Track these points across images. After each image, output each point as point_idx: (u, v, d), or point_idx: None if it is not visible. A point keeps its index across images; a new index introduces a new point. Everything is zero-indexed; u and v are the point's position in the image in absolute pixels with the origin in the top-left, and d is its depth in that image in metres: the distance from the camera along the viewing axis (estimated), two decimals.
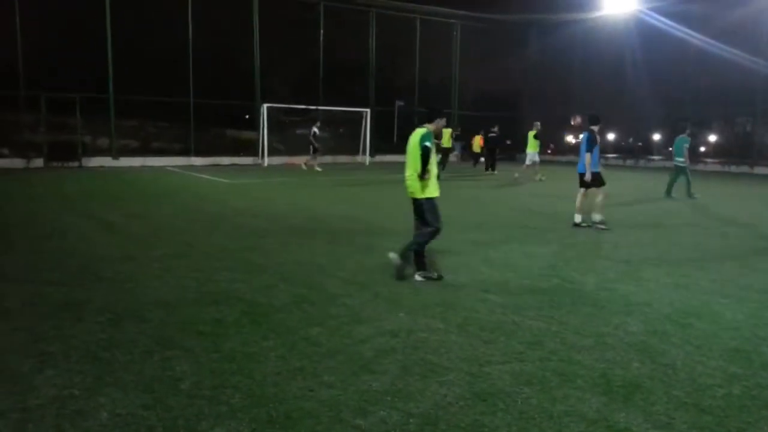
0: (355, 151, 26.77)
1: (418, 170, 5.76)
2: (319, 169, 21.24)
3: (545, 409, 3.21)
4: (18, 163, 20.09)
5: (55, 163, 20.64)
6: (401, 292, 5.46)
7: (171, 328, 4.37)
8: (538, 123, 18.25)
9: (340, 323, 4.54)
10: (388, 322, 4.59)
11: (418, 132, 5.90)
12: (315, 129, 21.34)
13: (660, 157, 27.48)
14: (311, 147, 21.31)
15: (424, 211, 5.87)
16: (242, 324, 4.49)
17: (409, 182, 5.88)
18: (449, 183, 17.61)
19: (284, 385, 3.45)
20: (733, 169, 24.26)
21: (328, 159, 26.83)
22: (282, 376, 3.58)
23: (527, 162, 18.11)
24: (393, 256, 5.97)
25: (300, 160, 25.46)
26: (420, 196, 5.85)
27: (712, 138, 28.39)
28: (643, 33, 26.04)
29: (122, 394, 3.30)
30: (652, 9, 25.67)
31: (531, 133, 17.90)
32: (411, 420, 3.07)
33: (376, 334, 4.31)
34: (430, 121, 6.10)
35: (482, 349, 4.07)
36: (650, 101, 25.25)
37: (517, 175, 18.22)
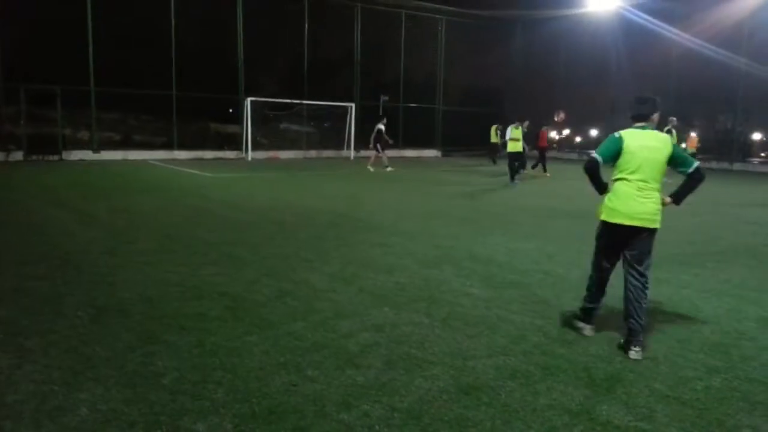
0: (339, 146, 26.70)
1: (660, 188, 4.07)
2: (371, 168, 19.26)
3: (528, 403, 3.23)
4: None
5: (35, 156, 20.31)
6: (386, 286, 5.45)
7: (153, 322, 4.33)
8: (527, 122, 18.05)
9: (325, 318, 4.53)
10: (372, 317, 4.58)
11: (657, 135, 4.12)
12: (381, 126, 19.54)
13: None
14: (377, 146, 19.41)
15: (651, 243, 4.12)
16: (225, 319, 4.46)
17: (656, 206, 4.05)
18: (442, 177, 17.64)
19: (268, 380, 3.42)
20: (714, 165, 24.57)
21: (312, 154, 26.75)
22: (265, 371, 3.55)
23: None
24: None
25: (284, 155, 25.36)
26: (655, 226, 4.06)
27: (693, 135, 28.72)
28: (627, 30, 26.24)
29: (103, 389, 3.25)
30: (636, 6, 25.88)
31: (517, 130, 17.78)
32: (395, 414, 3.06)
33: (361, 329, 4.30)
34: (647, 116, 4.24)
35: (466, 344, 4.08)
36: (632, 96, 25.46)
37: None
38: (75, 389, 3.25)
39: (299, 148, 26.83)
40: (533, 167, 19.43)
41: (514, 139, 16.02)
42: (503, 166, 18.23)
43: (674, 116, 17.20)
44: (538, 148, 19.57)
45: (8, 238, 7.35)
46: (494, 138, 23.90)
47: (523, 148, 16.38)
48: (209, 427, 2.88)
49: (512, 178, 15.86)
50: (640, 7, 25.56)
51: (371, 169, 19.14)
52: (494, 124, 24.06)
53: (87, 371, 3.48)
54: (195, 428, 2.87)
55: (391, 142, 20.26)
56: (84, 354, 3.74)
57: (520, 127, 16.22)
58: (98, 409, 3.03)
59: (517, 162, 16.16)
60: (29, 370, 3.49)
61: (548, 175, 18.73)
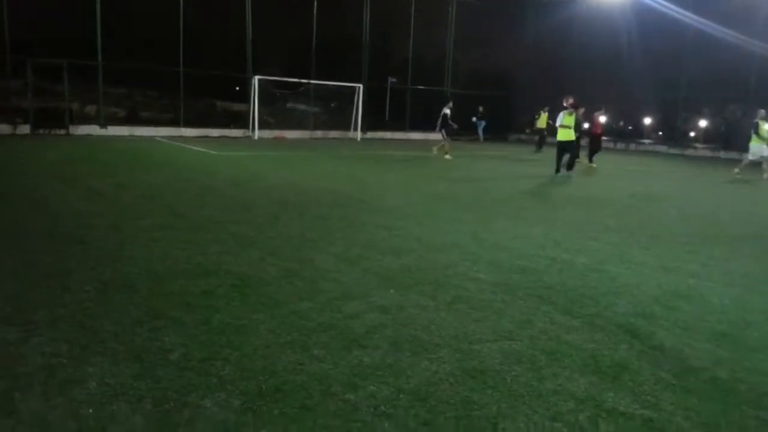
0: (346, 126, 26.60)
1: None
2: (448, 156, 17.98)
3: (534, 388, 3.23)
4: (4, 129, 19.77)
5: (41, 130, 20.34)
6: (391, 269, 5.45)
7: (160, 299, 4.34)
8: (582, 109, 15.83)
9: (331, 298, 4.53)
10: (378, 299, 4.58)
11: None
12: (447, 110, 18.40)
13: (650, 141, 27.55)
14: (443, 132, 18.34)
15: None
16: (231, 297, 4.47)
17: None
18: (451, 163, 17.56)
19: (274, 359, 3.43)
20: (722, 155, 24.40)
21: (318, 134, 26.67)
22: (272, 349, 3.56)
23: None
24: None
25: (290, 134, 25.27)
26: None
27: (703, 123, 28.51)
28: (640, 15, 25.93)
29: (111, 363, 3.27)
30: None
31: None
32: (401, 395, 3.07)
33: (367, 310, 4.30)
34: None
35: (472, 327, 4.08)
36: (644, 84, 25.26)
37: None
38: (83, 363, 3.26)
39: (305, 128, 26.75)
40: (589, 160, 17.06)
41: (566, 126, 14.26)
42: (548, 155, 17.10)
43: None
44: (591, 136, 17.45)
45: (14, 212, 7.37)
46: (543, 123, 22.79)
47: (577, 138, 14.70)
48: (217, 403, 2.89)
49: (558, 169, 14.34)
50: None
51: (447, 157, 17.78)
52: (566, 106, 22.63)
53: (95, 345, 3.50)
54: (203, 404, 2.88)
55: (455, 126, 18.85)
56: (91, 328, 3.75)
57: (573, 114, 14.40)
58: (107, 383, 3.04)
59: (566, 152, 14.52)
60: (37, 343, 3.50)
61: (594, 165, 16.70)
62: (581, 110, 15.21)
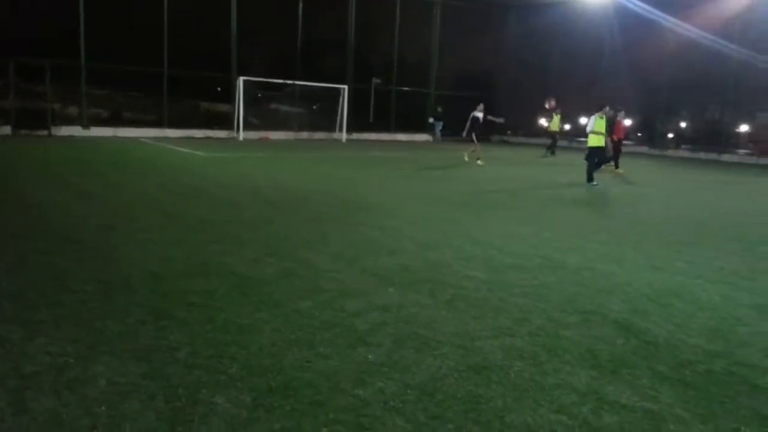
0: (331, 127, 26.60)
1: None
2: (480, 162, 17.23)
3: (537, 382, 3.31)
4: None
5: (23, 131, 20.07)
6: (388, 268, 5.51)
7: (162, 298, 4.35)
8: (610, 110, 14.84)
9: (331, 297, 4.58)
10: (377, 297, 4.64)
11: None
12: (477, 113, 17.67)
13: (631, 142, 27.96)
14: (472, 135, 17.60)
15: None
16: (233, 296, 4.49)
17: None
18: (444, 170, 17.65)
19: (281, 356, 3.48)
20: (702, 155, 24.85)
21: (304, 135, 26.64)
22: (278, 347, 3.61)
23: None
24: None
25: (275, 135, 25.21)
26: None
27: (683, 124, 28.99)
28: (622, 18, 26.30)
29: (119, 362, 3.29)
30: None
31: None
32: (408, 391, 3.13)
33: (368, 309, 4.36)
34: None
35: (472, 324, 4.15)
36: (626, 87, 25.63)
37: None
38: (91, 362, 3.27)
39: (291, 129, 26.71)
40: (615, 166, 16.45)
41: (598, 132, 13.42)
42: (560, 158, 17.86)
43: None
44: (614, 141, 16.32)
45: (5, 213, 7.31)
46: (555, 126, 22.09)
47: (606, 143, 13.83)
48: (228, 400, 2.93)
49: (591, 177, 13.36)
50: None
51: (480, 162, 17.14)
52: (547, 108, 22.25)
53: (101, 345, 3.51)
54: (214, 401, 2.91)
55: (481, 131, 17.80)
56: (96, 328, 3.76)
57: (604, 117, 13.61)
58: (116, 382, 3.06)
59: (597, 159, 13.74)
60: (43, 343, 3.50)
61: (621, 171, 16.17)
62: (611, 112, 14.39)
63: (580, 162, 16.93)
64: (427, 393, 3.12)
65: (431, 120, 28.04)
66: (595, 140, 13.49)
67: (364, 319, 4.13)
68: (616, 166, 16.29)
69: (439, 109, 27.83)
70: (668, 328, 4.26)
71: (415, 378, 3.29)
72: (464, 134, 18.21)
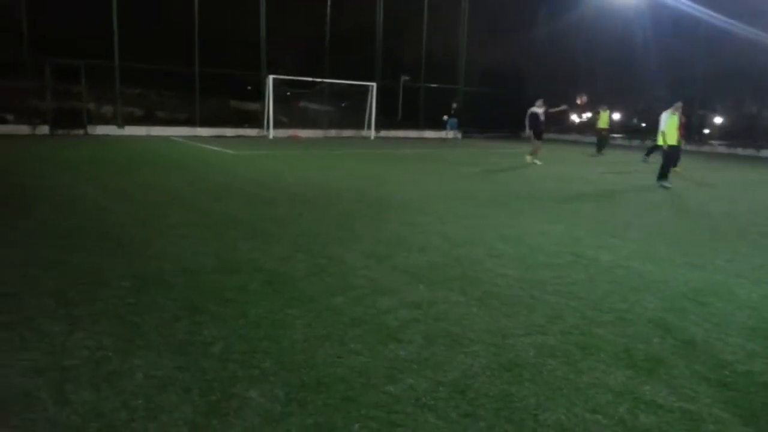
0: (360, 125, 26.66)
1: None
2: (538, 162, 16.57)
3: (571, 381, 3.27)
4: (23, 129, 20.01)
5: (60, 131, 20.57)
6: (419, 265, 5.50)
7: (196, 294, 4.42)
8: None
9: (362, 294, 4.59)
10: (408, 294, 4.64)
11: None
12: (535, 109, 16.83)
13: None
14: (533, 132, 16.87)
15: None
16: (265, 292, 4.54)
17: None
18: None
19: (312, 352, 3.50)
20: (740, 151, 24.22)
21: (332, 133, 26.76)
22: (309, 342, 3.63)
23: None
24: None
25: (304, 133, 25.37)
26: None
27: (718, 120, 28.29)
28: (653, 9, 25.75)
29: (155, 356, 3.35)
30: None
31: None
32: (440, 388, 3.12)
33: (399, 306, 4.35)
34: None
35: (504, 322, 4.12)
36: (657, 80, 25.11)
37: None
38: (128, 355, 3.34)
39: (319, 127, 26.84)
40: (674, 165, 16.57)
41: (670, 129, 12.59)
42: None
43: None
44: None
45: (43, 211, 7.50)
46: (604, 123, 21.13)
47: (679, 141, 13.00)
48: (262, 394, 2.96)
49: (666, 175, 12.63)
50: None
51: (537, 162, 16.49)
52: (579, 104, 20.37)
53: (137, 339, 3.58)
54: (248, 395, 2.95)
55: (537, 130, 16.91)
56: (132, 322, 3.83)
57: (677, 114, 12.68)
58: (153, 375, 3.12)
59: (671, 157, 12.94)
60: (81, 337, 3.59)
61: (679, 170, 14.95)
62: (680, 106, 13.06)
63: (599, 159, 16.62)
64: (459, 390, 3.11)
65: (445, 117, 26.56)
66: (671, 138, 12.57)
67: (394, 316, 4.13)
68: (674, 165, 15.02)
69: (454, 105, 26.90)
70: (706, 327, 4.17)
71: (447, 375, 3.28)
72: (525, 133, 17.49)
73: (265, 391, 3.00)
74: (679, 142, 12.92)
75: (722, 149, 25.22)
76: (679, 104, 12.74)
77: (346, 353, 3.50)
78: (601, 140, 21.31)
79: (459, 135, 27.41)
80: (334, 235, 6.58)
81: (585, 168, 16.30)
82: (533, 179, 13.20)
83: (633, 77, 26.84)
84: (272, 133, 23.66)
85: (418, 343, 3.71)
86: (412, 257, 5.76)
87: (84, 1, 20.98)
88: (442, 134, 27.38)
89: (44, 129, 20.34)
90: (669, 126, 12.60)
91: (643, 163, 17.78)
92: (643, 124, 30.67)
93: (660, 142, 12.87)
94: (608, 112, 21.21)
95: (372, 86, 25.84)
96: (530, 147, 17.15)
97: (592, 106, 22.65)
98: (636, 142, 28.29)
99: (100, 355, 3.35)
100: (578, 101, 23.44)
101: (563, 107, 18.48)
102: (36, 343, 3.48)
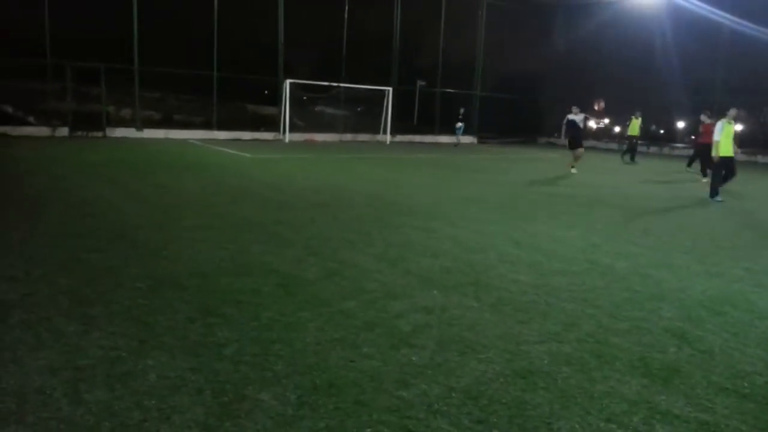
0: (375, 129, 26.68)
1: None
2: (573, 170, 15.82)
3: (585, 389, 3.23)
4: (43, 131, 20.28)
5: (79, 133, 20.81)
6: (432, 270, 5.48)
7: (209, 296, 4.44)
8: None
9: (375, 298, 4.58)
10: (421, 299, 4.62)
11: None
12: (572, 116, 16.03)
13: (684, 145, 27.09)
14: (569, 140, 16.24)
15: None
16: (278, 295, 4.55)
17: None
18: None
19: (325, 355, 3.49)
20: (760, 159, 23.88)
21: (348, 137, 26.82)
22: (322, 346, 3.63)
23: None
24: None
25: (320, 137, 25.46)
26: None
27: (739, 127, 27.91)
28: (673, 15, 25.49)
29: (168, 357, 3.37)
30: None
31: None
32: (453, 394, 3.10)
33: (411, 310, 4.34)
34: None
35: (518, 329, 4.09)
36: (677, 87, 24.84)
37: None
38: (142, 356, 3.36)
39: (335, 131, 26.89)
40: (688, 165, 16.10)
41: (725, 139, 11.67)
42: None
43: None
44: (700, 145, 15.20)
45: (61, 212, 7.58)
46: (635, 130, 20.38)
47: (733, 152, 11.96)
48: (274, 397, 2.96)
49: (716, 191, 11.71)
50: None
51: (573, 171, 15.74)
52: (596, 110, 19.70)
53: (151, 340, 3.60)
54: (260, 397, 2.95)
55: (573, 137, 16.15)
56: (146, 323, 3.86)
57: (732, 122, 11.79)
58: (166, 376, 3.13)
59: (727, 169, 11.97)
60: (96, 337, 3.62)
61: (704, 180, 14.44)
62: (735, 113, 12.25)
63: (617, 166, 16.47)
64: (472, 397, 3.08)
65: (459, 125, 25.96)
66: (725, 148, 11.66)
67: (407, 321, 4.12)
68: (704, 174, 14.94)
69: (462, 110, 26.52)
70: (724, 337, 4.10)
71: (460, 381, 3.25)
72: (562, 137, 16.99)
73: (277, 393, 3.00)
74: (733, 153, 11.86)
75: (742, 157, 24.84)
76: (734, 111, 11.97)
77: (359, 357, 3.49)
78: (632, 147, 20.83)
79: (460, 140, 27.31)
80: (346, 239, 6.58)
81: (619, 177, 16.16)
82: (544, 185, 13.11)
83: (652, 83, 26.56)
84: (288, 136, 23.76)
85: (431, 348, 3.69)
86: (425, 262, 5.74)
87: (105, 5, 21.22)
88: (453, 140, 27.35)
89: (64, 131, 20.60)
90: (724, 135, 11.62)
91: (688, 173, 17.11)
92: (662, 131, 30.37)
93: (713, 152, 11.79)
94: (640, 119, 20.61)
95: (388, 91, 25.86)
96: (570, 156, 16.42)
97: (613, 112, 22.19)
98: (654, 149, 28.01)
99: (114, 355, 3.37)
100: (595, 107, 23.24)
101: (601, 104, 18.07)
102: (52, 342, 3.52)
